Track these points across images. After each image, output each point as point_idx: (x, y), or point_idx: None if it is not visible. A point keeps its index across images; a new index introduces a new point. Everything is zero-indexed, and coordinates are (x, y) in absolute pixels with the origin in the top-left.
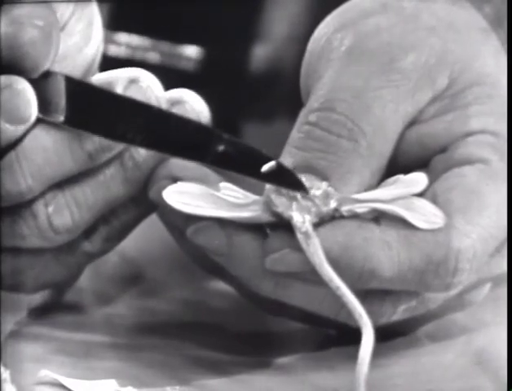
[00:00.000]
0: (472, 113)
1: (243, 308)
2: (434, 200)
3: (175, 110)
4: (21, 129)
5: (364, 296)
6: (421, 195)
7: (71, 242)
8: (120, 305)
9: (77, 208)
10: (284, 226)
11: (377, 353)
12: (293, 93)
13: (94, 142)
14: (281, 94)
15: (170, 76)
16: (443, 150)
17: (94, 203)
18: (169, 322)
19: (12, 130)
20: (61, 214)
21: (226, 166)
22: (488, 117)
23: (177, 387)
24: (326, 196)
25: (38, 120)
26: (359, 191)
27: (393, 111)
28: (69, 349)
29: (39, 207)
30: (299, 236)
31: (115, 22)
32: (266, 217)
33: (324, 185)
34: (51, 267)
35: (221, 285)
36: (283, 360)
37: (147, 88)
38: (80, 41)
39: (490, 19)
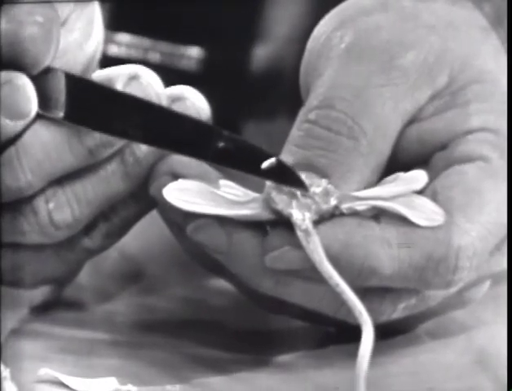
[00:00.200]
0: (472, 111)
1: (243, 306)
2: (434, 198)
3: (176, 107)
4: (21, 124)
5: (364, 293)
6: (420, 192)
7: (71, 238)
8: (120, 302)
9: (77, 204)
10: (284, 223)
11: (376, 351)
12: (293, 92)
13: (94, 137)
14: (282, 94)
15: (171, 76)
16: (443, 147)
17: (94, 199)
18: (168, 320)
19: (12, 126)
20: (62, 210)
21: (226, 163)
22: (488, 115)
23: (177, 385)
24: (326, 194)
25: (38, 116)
26: (358, 189)
27: (393, 109)
28: (70, 346)
29: (40, 203)
30: (299, 234)
31: (115, 22)
32: (266, 215)
33: (324, 182)
34: (51, 263)
35: (221, 283)
36: (283, 358)
37: (147, 85)
38: (80, 38)
39: (490, 18)
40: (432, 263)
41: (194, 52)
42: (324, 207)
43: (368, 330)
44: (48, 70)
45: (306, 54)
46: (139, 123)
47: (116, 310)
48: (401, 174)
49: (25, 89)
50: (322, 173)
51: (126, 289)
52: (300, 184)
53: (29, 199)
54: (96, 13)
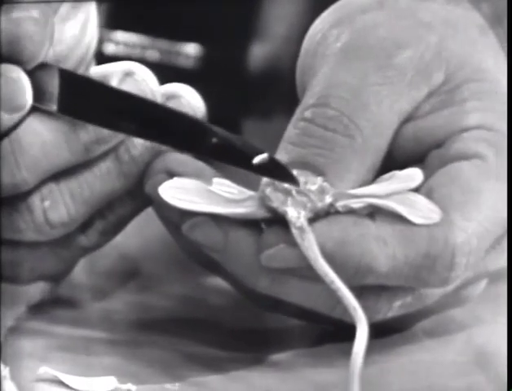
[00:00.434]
0: (468, 109)
1: (239, 304)
2: (430, 196)
3: (171, 104)
4: (16, 117)
5: (360, 292)
6: (416, 190)
7: (67, 235)
8: (117, 300)
9: (72, 203)
10: (279, 221)
11: (373, 350)
12: (291, 90)
13: (89, 133)
14: (280, 92)
15: (169, 74)
16: (440, 145)
17: (90, 197)
18: (165, 319)
19: (7, 119)
20: (57, 209)
21: (219, 158)
22: (485, 113)
23: (176, 384)
24: (321, 192)
25: (33, 112)
26: (354, 187)
27: (389, 107)
28: (68, 345)
29: (35, 201)
30: (294, 231)
31: (113, 20)
32: (261, 213)
33: (319, 180)
34: (47, 260)
35: (218, 281)
36: (279, 356)
37: (142, 81)
38: (75, 34)
39: (488, 17)
40: (428, 261)
41: (192, 50)
42: (320, 205)
43: (363, 327)
44: (42, 65)
45: (303, 52)
46: (131, 115)
47: (113, 308)
48: (397, 172)
49: (20, 81)
50: (318, 171)
51: (124, 287)
52: (292, 179)
53: (25, 196)
54: (92, 12)
